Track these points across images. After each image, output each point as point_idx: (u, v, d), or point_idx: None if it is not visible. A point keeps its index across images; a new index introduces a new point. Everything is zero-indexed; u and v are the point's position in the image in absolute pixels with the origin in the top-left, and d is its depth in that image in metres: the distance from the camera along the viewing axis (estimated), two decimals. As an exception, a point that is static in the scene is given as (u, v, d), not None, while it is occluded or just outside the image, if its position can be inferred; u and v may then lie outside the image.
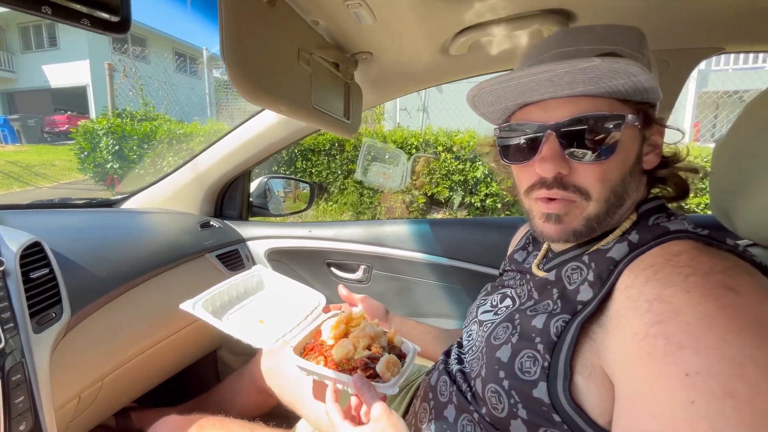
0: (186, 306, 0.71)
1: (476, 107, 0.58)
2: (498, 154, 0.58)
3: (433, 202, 4.90)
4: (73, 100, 14.17)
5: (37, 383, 0.62)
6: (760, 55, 6.26)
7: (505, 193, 4.53)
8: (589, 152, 0.48)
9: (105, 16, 0.46)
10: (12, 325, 0.61)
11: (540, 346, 0.47)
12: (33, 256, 0.71)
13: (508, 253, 0.81)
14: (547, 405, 0.44)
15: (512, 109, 0.56)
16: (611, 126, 0.47)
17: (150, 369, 1.00)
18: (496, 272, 1.16)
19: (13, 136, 11.57)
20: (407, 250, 1.24)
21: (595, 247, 0.52)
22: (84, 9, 0.44)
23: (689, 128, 6.47)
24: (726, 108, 6.45)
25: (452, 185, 4.67)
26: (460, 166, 4.59)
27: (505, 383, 0.49)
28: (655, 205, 0.53)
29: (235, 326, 0.71)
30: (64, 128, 11.71)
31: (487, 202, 4.61)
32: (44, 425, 0.61)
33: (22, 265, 0.67)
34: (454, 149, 4.61)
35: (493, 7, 0.70)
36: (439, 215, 4.88)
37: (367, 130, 5.02)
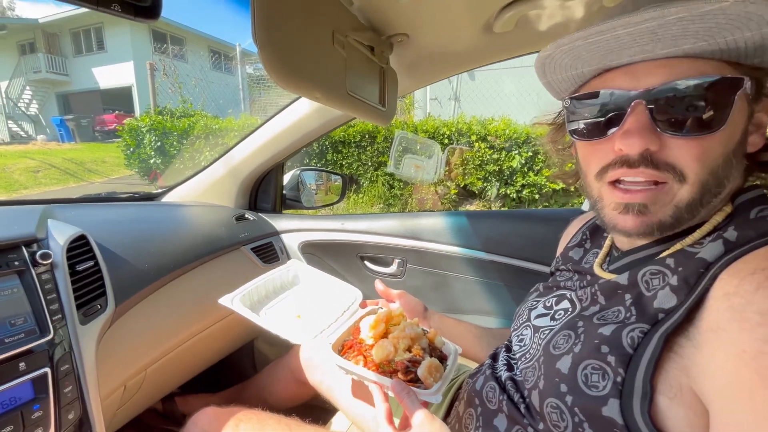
0: (224, 301, 0.71)
1: (544, 73, 0.50)
2: (556, 133, 0.51)
3: (466, 193, 4.77)
4: (120, 99, 15.07)
5: (84, 373, 0.63)
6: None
7: (544, 183, 4.33)
8: (691, 124, 0.39)
9: (135, 1, 0.45)
10: (60, 316, 0.63)
11: (611, 358, 0.41)
12: (79, 248, 0.72)
13: (560, 249, 0.74)
14: (620, 426, 0.38)
15: (587, 76, 0.47)
16: (725, 93, 0.39)
17: (191, 359, 1.02)
18: (540, 268, 1.09)
19: (69, 135, 12.49)
20: (444, 243, 1.19)
21: (679, 246, 0.44)
22: (114, -6, 0.42)
23: None
24: None
25: (486, 175, 4.52)
26: (495, 156, 4.43)
27: (569, 399, 0.43)
28: (755, 195, 0.44)
29: (272, 322, 0.70)
30: (113, 127, 12.48)
31: (524, 192, 4.42)
32: (91, 414, 0.63)
33: (68, 258, 0.69)
34: (489, 138, 4.44)
35: (546, -27, 0.62)
36: (472, 207, 4.75)
37: (397, 120, 4.94)
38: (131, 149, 5.69)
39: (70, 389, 0.60)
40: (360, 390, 0.84)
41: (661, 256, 0.45)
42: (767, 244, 0.37)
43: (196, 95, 6.71)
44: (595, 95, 0.45)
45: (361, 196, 5.03)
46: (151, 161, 5.58)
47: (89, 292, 0.70)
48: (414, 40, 0.84)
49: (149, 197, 1.39)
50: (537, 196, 4.42)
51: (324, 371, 0.94)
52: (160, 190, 1.41)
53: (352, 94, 0.69)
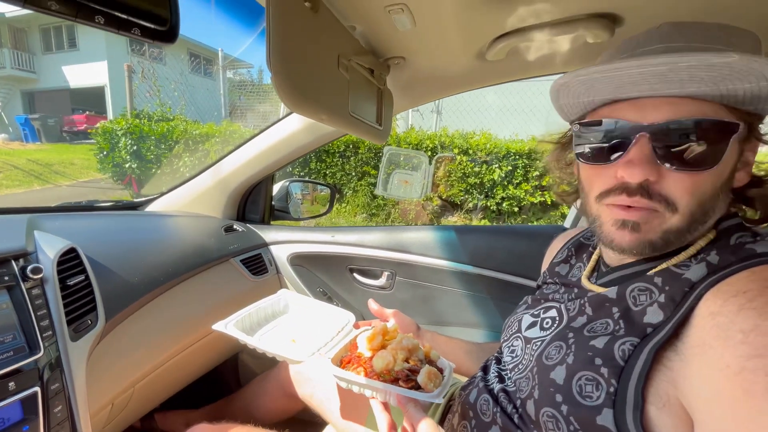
0: (218, 326, 0.72)
1: (558, 98, 0.54)
2: (560, 152, 0.55)
3: (447, 205, 4.86)
4: (91, 100, 14.49)
5: (74, 392, 0.61)
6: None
7: (523, 196, 4.48)
8: (687, 160, 0.43)
9: (154, 26, 0.46)
10: (50, 333, 0.61)
11: (604, 370, 0.44)
12: (69, 262, 0.71)
13: (546, 265, 0.78)
14: None
15: (597, 104, 0.51)
16: (722, 135, 0.43)
17: (178, 374, 1.00)
18: (525, 282, 1.14)
19: (34, 135, 11.88)
20: (432, 257, 1.22)
21: (665, 265, 0.49)
22: (134, 19, 0.43)
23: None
24: None
25: (468, 188, 4.62)
26: (476, 169, 4.55)
27: (564, 408, 0.46)
28: (735, 223, 0.49)
29: (269, 343, 0.71)
30: (83, 127, 11.97)
31: (504, 205, 4.55)
32: (81, 434, 0.61)
33: (59, 272, 0.67)
34: (470, 152, 4.56)
35: (537, 11, 0.67)
36: (453, 218, 4.84)
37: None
38: (105, 152, 5.49)
39: (59, 409, 0.59)
40: (353, 402, 0.85)
41: (649, 273, 0.49)
42: (746, 268, 0.41)
43: (175, 99, 6.56)
44: (602, 123, 0.49)
45: (344, 205, 5.03)
46: (126, 165, 5.39)
47: (80, 307, 0.68)
48: (410, 62, 0.87)
49: (133, 206, 1.35)
50: (516, 209, 4.56)
51: (315, 384, 0.94)
52: (143, 199, 1.38)
53: (353, 114, 0.71)
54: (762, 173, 0.51)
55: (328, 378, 0.86)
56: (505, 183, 4.50)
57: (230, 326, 0.75)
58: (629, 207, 0.47)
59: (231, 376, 1.39)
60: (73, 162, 8.94)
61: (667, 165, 0.44)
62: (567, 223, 1.25)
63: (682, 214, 0.46)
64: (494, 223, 4.63)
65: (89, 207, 1.17)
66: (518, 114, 5.80)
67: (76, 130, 12.83)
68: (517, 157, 4.44)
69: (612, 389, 0.43)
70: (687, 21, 0.48)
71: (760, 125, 0.48)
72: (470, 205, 4.65)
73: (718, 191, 0.46)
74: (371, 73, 0.79)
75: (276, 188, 1.50)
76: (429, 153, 4.60)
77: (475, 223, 4.67)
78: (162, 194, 1.37)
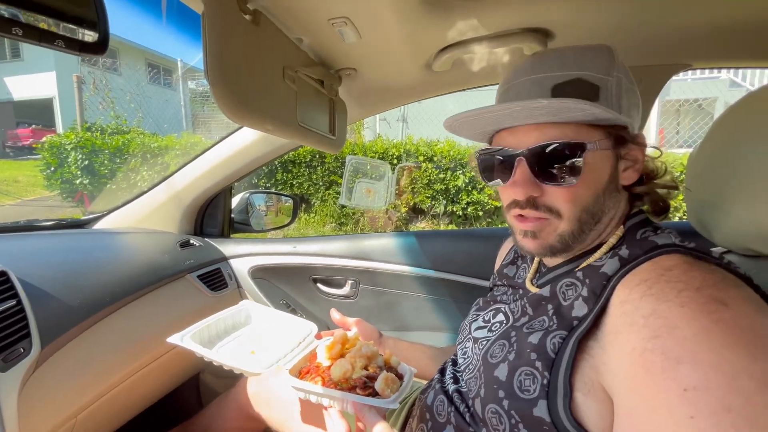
0: (174, 339, 0.69)
1: (456, 133, 0.60)
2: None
3: (414, 211, 4.93)
4: (37, 112, 13.54)
5: (3, 426, 0.57)
6: (716, 66, 6.66)
7: (486, 201, 4.62)
8: (556, 177, 0.50)
9: (81, 36, 0.45)
10: (-25, 364, 0.57)
11: (538, 363, 0.47)
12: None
13: (496, 267, 0.81)
14: (548, 424, 0.44)
15: (490, 133, 0.58)
16: (573, 153, 0.49)
17: (129, 400, 0.95)
18: (485, 284, 1.17)
19: (-29, 152, 10.93)
20: (394, 263, 1.24)
21: (587, 263, 0.53)
22: (58, 30, 0.42)
23: (654, 135, 6.80)
24: (687, 115, 6.82)
25: (434, 194, 4.72)
26: (441, 175, 4.65)
27: (505, 403, 0.48)
28: (639, 220, 0.55)
29: (226, 355, 0.69)
30: (28, 142, 11.17)
31: (469, 210, 4.67)
32: (11, 472, 0.56)
33: (-15, 298, 0.62)
34: (435, 159, 4.66)
35: (474, 25, 0.71)
36: (421, 224, 4.91)
37: (348, 141, 5.02)
38: (52, 168, 5.14)
39: (-15, 446, 0.54)
40: (310, 415, 0.84)
41: (576, 270, 0.54)
42: (649, 259, 0.46)
43: (131, 111, 6.27)
44: (492, 151, 0.56)
45: (312, 215, 4.98)
46: (77, 181, 5.07)
47: (10, 334, 0.63)
48: (361, 74, 0.89)
49: (79, 224, 1.28)
50: (481, 213, 4.70)
51: (274, 404, 0.92)
52: (91, 216, 1.31)
53: (303, 125, 0.72)
54: (647, 171, 0.56)
55: (288, 397, 0.85)
56: (469, 188, 4.62)
57: (186, 338, 0.72)
58: (525, 218, 0.54)
59: (192, 397, 1.33)
60: (17, 179, 8.28)
61: (546, 182, 0.51)
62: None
63: (568, 220, 0.52)
64: (461, 228, 4.74)
65: (27, 227, 1.09)
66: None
67: (20, 145, 11.95)
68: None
69: (545, 381, 0.45)
70: (550, 49, 0.56)
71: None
72: (437, 210, 4.74)
73: (598, 195, 0.51)
74: (321, 84, 0.80)
75: (236, 200, 1.46)
76: (395, 161, 4.66)
77: (442, 228, 4.76)
78: (112, 210, 1.31)
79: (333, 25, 0.65)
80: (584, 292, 0.49)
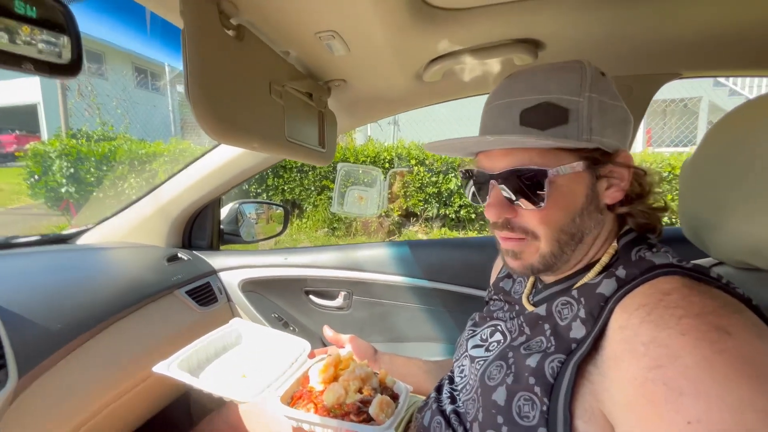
0: (160, 368, 0.66)
1: (439, 153, 0.61)
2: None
3: (407, 215, 4.92)
4: (21, 118, 13.26)
5: (-23, 465, 0.54)
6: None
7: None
8: (527, 200, 0.50)
9: (53, 57, 0.42)
10: (-55, 400, 0.53)
11: (537, 389, 0.46)
12: (-29, 314, 0.63)
13: (492, 279, 0.80)
14: None
15: (473, 153, 0.59)
16: (536, 178, 0.49)
17: (116, 423, 0.91)
18: (479, 293, 1.16)
19: (-48, 160, 10.66)
20: (387, 273, 1.22)
21: (582, 282, 0.52)
22: (27, 52, 0.39)
23: (642, 135, 6.90)
24: (674, 115, 6.93)
25: (426, 197, 4.71)
26: (434, 179, 4.65)
27: (504, 429, 0.47)
28: (634, 237, 0.53)
29: (214, 383, 0.66)
30: (12, 149, 10.93)
31: (462, 213, 4.68)
32: None
33: (-43, 328, 0.59)
34: (427, 162, 4.66)
35: (464, 37, 0.70)
36: (414, 228, 4.90)
37: (339, 144, 5.00)
38: (36, 177, 5.02)
39: (-43, 488, 0.51)
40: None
41: (572, 289, 0.53)
42: (647, 281, 0.45)
43: (118, 117, 6.16)
44: (470, 174, 0.57)
45: (304, 221, 4.94)
46: (63, 190, 4.96)
47: (-15, 365, 0.60)
48: (351, 84, 0.88)
49: (61, 239, 1.24)
50: (474, 216, 4.71)
51: (265, 423, 0.89)
52: (74, 231, 1.26)
53: (291, 140, 0.70)
54: (640, 189, 0.54)
55: (280, 416, 0.83)
56: (462, 192, 4.63)
57: (173, 367, 0.70)
58: (505, 238, 0.54)
59: (182, 417, 1.29)
60: (0, 188, 8.09)
61: (517, 204, 0.51)
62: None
63: (545, 240, 0.51)
64: (454, 231, 4.74)
65: (5, 245, 1.05)
66: (469, 123, 6.04)
67: (4, 152, 11.69)
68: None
69: (545, 407, 0.44)
70: (522, 70, 0.55)
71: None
72: (429, 214, 4.73)
73: (574, 216, 0.51)
74: (310, 96, 0.79)
75: (225, 211, 1.43)
76: (387, 165, 4.65)
77: (435, 231, 4.76)
78: (96, 225, 1.27)
79: (320, 39, 0.64)
80: (581, 313, 0.48)
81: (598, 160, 0.51)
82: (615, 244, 0.53)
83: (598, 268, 0.52)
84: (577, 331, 0.47)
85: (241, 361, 0.79)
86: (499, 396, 0.50)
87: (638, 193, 0.54)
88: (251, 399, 0.62)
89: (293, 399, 0.63)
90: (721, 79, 7.60)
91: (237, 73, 0.54)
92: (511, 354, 0.53)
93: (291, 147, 0.70)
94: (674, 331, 0.37)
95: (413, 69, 0.82)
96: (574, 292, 0.51)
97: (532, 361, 0.48)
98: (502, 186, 0.51)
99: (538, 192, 0.49)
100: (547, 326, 0.51)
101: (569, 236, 0.51)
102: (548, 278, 0.59)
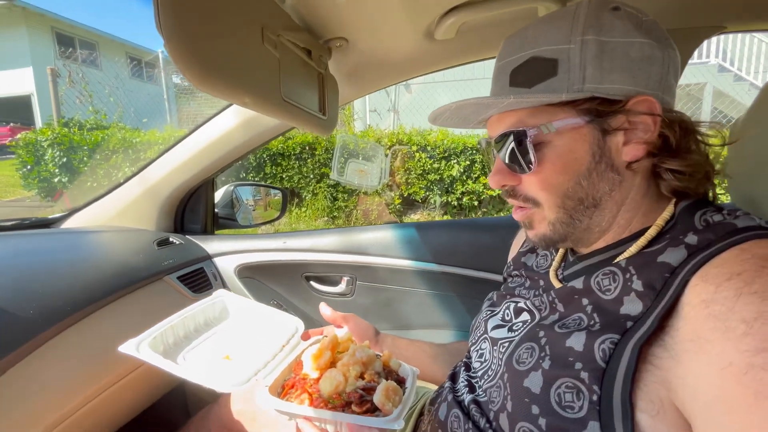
0: (127, 348, 0.58)
1: (445, 125, 0.58)
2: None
3: (409, 202, 4.84)
4: (16, 110, 13.05)
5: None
6: (704, 52, 6.65)
7: (482, 190, 4.54)
8: (522, 165, 0.47)
9: None
10: None
11: (584, 375, 0.38)
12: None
13: (512, 254, 0.73)
14: None
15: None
16: (521, 140, 0.46)
17: (100, 420, 0.84)
18: (491, 277, 1.09)
19: (-55, 153, 10.48)
20: (393, 257, 1.15)
21: (633, 250, 0.44)
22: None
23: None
24: (679, 101, 6.81)
25: (428, 184, 4.62)
26: (435, 165, 4.56)
27: (542, 422, 0.40)
28: (693, 200, 0.45)
29: (192, 368, 0.58)
30: (7, 141, 10.76)
31: (464, 200, 4.60)
32: None
33: None
34: (428, 148, 4.56)
35: (486, -20, 0.61)
36: (416, 215, 4.83)
37: (338, 131, 4.89)
38: (28, 167, 4.92)
39: None
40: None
41: (618, 259, 0.45)
42: (732, 245, 0.36)
43: (111, 105, 6.02)
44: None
45: (303, 209, 4.85)
46: (56, 180, 4.86)
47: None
48: (354, 45, 0.79)
49: (45, 223, 1.16)
50: (476, 203, 4.62)
51: (260, 421, 0.82)
52: (58, 215, 1.19)
53: (288, 100, 0.61)
54: (672, 142, 0.44)
55: (277, 414, 0.75)
56: (464, 178, 4.54)
57: (143, 346, 0.61)
58: (515, 208, 0.52)
59: (178, 409, 1.23)
60: (-5, 180, 7.96)
61: (517, 171, 0.48)
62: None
63: (549, 207, 0.48)
64: (456, 218, 4.67)
65: (-20, 228, 0.97)
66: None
67: (-1, 145, 11.51)
68: (475, 151, 4.50)
69: (595, 397, 0.37)
70: (518, 30, 0.50)
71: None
72: (431, 201, 4.65)
73: (580, 178, 0.45)
74: (308, 54, 0.70)
75: (220, 194, 1.35)
76: (386, 152, 4.55)
77: (437, 219, 4.69)
78: (81, 207, 1.19)
79: (320, -22, 0.55)
80: (636, 286, 0.40)
81: (601, 111, 0.43)
82: (671, 207, 0.45)
83: (652, 232, 0.44)
84: (632, 306, 0.39)
85: (226, 339, 0.70)
86: (533, 382, 0.43)
87: (655, 152, 0.45)
88: (233, 389, 0.54)
89: (284, 388, 0.56)
90: (726, 64, 7.45)
91: (222, 8, 0.45)
92: (543, 334, 0.46)
93: (288, 109, 0.62)
94: None
95: (423, 24, 0.73)
96: (621, 262, 0.43)
97: (574, 342, 0.41)
98: (502, 153, 0.48)
99: (525, 155, 0.46)
100: (586, 301, 0.44)
101: (576, 201, 0.46)
102: (583, 249, 0.51)
